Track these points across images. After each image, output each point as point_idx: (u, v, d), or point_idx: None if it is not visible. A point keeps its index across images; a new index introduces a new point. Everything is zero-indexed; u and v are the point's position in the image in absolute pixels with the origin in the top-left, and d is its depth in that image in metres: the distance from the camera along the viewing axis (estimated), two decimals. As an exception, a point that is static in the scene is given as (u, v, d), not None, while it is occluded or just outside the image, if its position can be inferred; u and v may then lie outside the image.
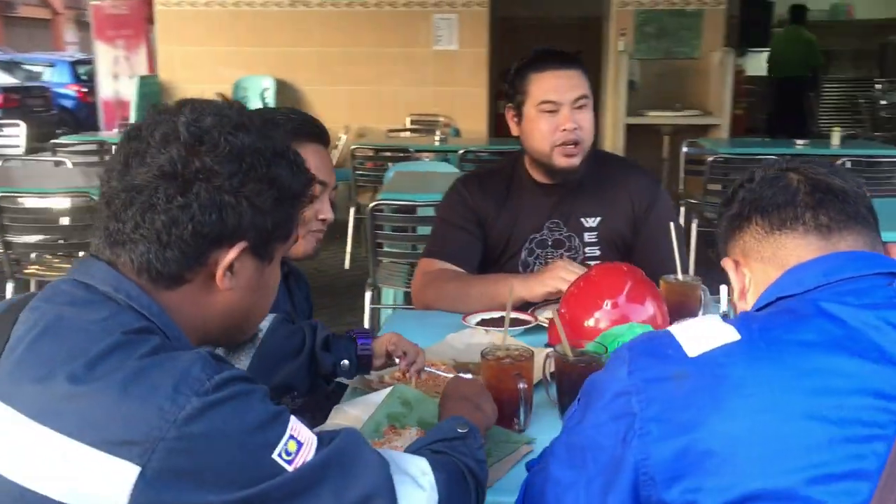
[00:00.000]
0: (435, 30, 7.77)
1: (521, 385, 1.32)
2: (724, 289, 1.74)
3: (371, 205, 3.42)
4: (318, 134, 1.69)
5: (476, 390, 1.26)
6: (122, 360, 0.85)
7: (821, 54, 9.88)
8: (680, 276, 1.82)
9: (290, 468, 0.83)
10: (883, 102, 9.37)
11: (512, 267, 2.21)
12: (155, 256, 0.94)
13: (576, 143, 2.05)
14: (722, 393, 0.85)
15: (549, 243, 2.20)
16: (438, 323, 1.93)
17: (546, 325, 1.83)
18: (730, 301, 1.22)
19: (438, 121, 7.74)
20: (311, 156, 1.40)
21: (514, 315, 1.91)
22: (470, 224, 2.19)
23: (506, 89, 2.19)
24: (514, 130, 2.16)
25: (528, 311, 1.96)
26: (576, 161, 2.07)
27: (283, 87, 7.74)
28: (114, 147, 1.04)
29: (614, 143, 7.46)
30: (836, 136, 5.71)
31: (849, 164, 4.99)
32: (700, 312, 1.70)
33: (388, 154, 5.63)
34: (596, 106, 2.12)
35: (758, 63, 10.69)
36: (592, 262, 2.14)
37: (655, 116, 7.49)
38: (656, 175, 2.87)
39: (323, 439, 0.88)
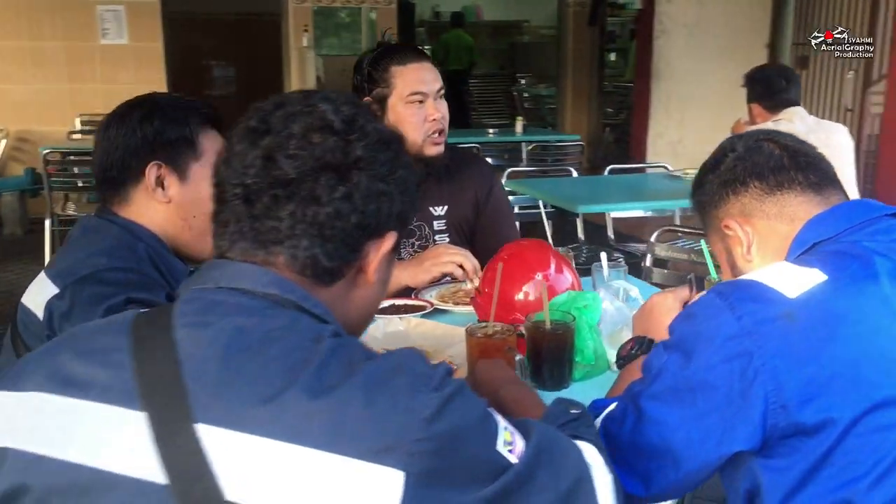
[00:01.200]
0: (101, 22, 7.15)
1: (517, 357, 1.37)
2: (603, 256, 1.93)
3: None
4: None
5: (508, 370, 1.28)
6: (347, 366, 0.78)
7: (475, 54, 10.85)
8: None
9: (514, 459, 0.81)
10: (526, 95, 10.57)
11: (369, 258, 2.21)
12: (320, 251, 0.86)
13: (441, 132, 2.11)
14: (831, 325, 0.99)
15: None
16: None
17: (444, 308, 1.89)
18: (717, 267, 1.36)
19: (113, 120, 7.17)
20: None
21: (410, 302, 1.94)
22: None
23: (358, 83, 2.16)
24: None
25: (413, 296, 1.99)
26: (442, 148, 2.14)
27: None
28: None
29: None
30: (519, 125, 6.36)
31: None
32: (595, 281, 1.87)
33: (75, 158, 5.14)
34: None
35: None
36: (442, 249, 2.22)
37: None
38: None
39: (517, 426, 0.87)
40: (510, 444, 0.81)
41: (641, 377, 1.12)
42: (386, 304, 1.91)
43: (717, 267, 1.70)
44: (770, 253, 1.19)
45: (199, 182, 1.45)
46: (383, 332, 1.73)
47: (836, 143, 3.40)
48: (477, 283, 1.94)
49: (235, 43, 9.24)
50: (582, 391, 1.46)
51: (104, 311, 1.25)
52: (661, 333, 1.33)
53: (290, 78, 7.83)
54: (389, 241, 0.92)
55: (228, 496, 0.73)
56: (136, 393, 0.79)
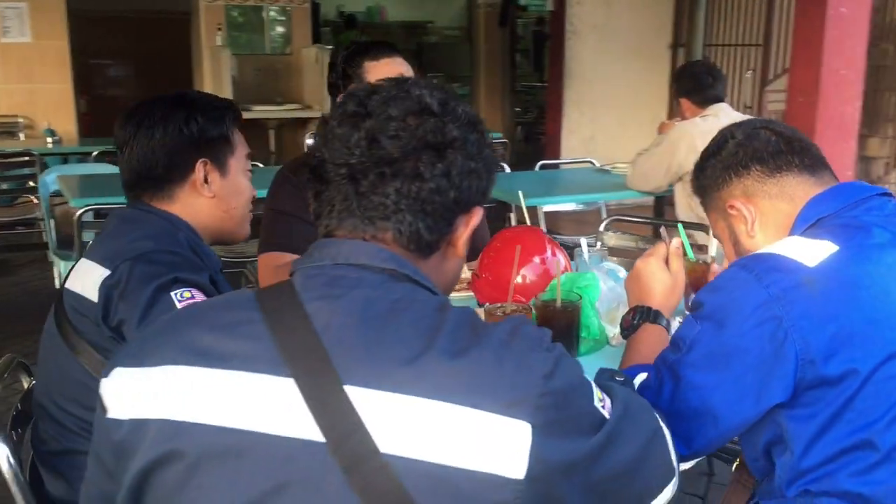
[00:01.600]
0: (2, 20, 6.87)
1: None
2: (583, 241, 2.05)
3: (79, 212, 3.09)
4: None
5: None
6: (472, 330, 0.86)
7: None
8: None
9: (607, 414, 0.90)
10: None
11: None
12: (422, 225, 0.93)
13: None
14: (847, 289, 1.13)
15: None
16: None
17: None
18: (720, 244, 1.49)
19: (18, 122, 6.89)
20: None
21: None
22: (305, 212, 2.18)
23: (334, 80, 2.21)
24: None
25: None
26: None
27: None
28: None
29: (223, 139, 7.40)
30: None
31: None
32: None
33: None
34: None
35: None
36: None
37: (261, 111, 7.61)
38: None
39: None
40: (602, 400, 0.91)
41: (673, 347, 1.23)
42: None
43: (693, 246, 1.86)
44: (772, 229, 1.32)
45: (237, 175, 1.53)
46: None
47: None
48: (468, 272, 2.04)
49: (142, 41, 9.00)
50: (586, 364, 1.57)
51: (155, 289, 1.30)
52: (651, 296, 1.46)
53: (202, 77, 7.70)
54: (476, 215, 0.99)
55: (383, 449, 0.79)
56: (280, 361, 0.84)
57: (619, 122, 7.44)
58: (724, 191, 1.38)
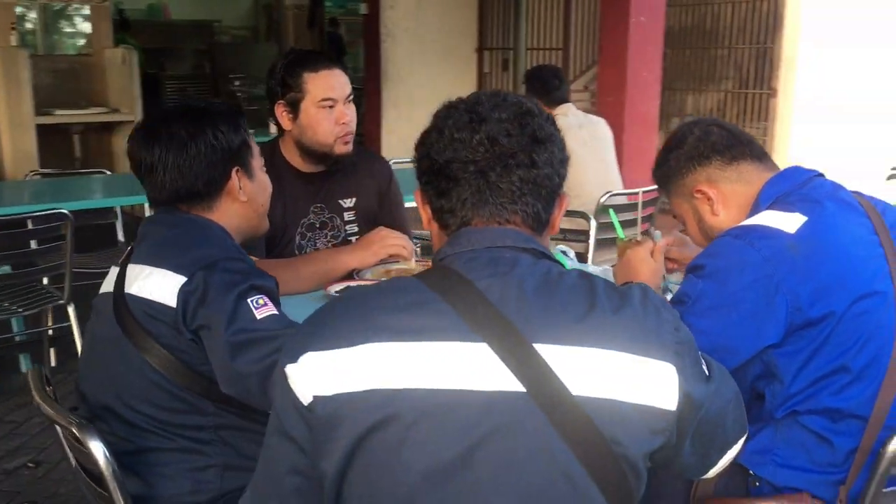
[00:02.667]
0: None
1: None
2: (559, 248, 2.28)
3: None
4: None
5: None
6: (616, 292, 1.06)
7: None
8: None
9: (707, 371, 1.10)
10: (240, 95, 10.47)
11: (290, 251, 2.36)
12: (541, 206, 1.12)
13: (349, 133, 2.31)
14: (821, 250, 1.44)
15: (317, 225, 2.41)
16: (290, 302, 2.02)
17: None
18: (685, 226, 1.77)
19: None
20: None
21: (363, 282, 2.15)
22: None
23: (272, 87, 2.28)
24: (287, 125, 2.29)
25: (355, 276, 2.18)
26: (351, 147, 2.34)
27: None
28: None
29: (23, 145, 6.88)
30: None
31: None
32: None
33: None
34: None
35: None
36: (352, 238, 2.44)
37: (64, 115, 7.15)
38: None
39: None
40: (702, 359, 1.13)
41: (678, 302, 1.50)
42: (353, 283, 2.12)
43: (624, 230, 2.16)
44: (734, 208, 1.63)
45: (259, 174, 1.61)
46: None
47: (601, 134, 4.08)
48: (414, 263, 2.21)
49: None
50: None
51: (236, 297, 1.37)
52: (640, 276, 1.73)
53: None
54: (567, 199, 1.19)
55: (575, 392, 0.98)
56: (469, 330, 1.00)
57: (435, 121, 7.79)
58: (688, 178, 1.67)
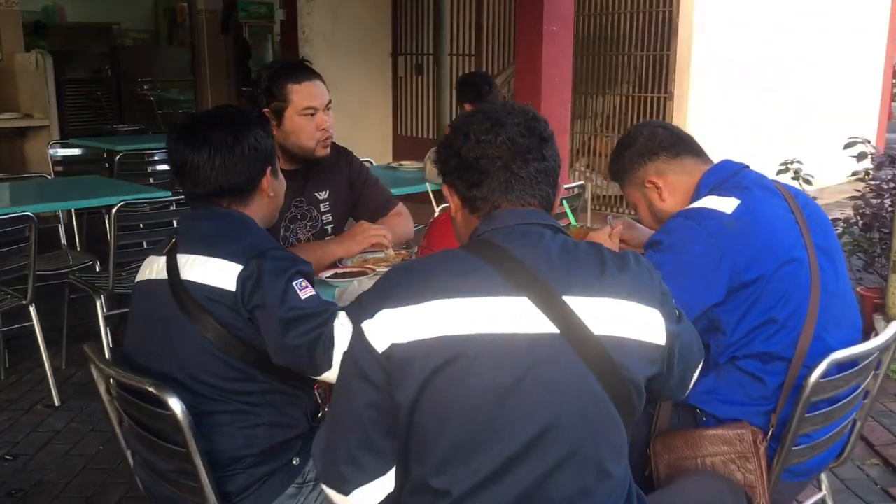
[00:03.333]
0: None
1: None
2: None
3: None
4: None
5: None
6: (618, 256, 1.38)
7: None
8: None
9: (677, 312, 1.44)
10: (152, 99, 10.41)
11: (276, 242, 2.59)
12: (551, 191, 1.44)
13: (329, 138, 2.57)
14: (753, 226, 1.79)
15: (298, 217, 2.66)
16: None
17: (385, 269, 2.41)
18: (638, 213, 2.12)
19: None
20: None
21: (347, 269, 2.42)
22: None
23: (257, 95, 2.51)
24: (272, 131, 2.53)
25: (338, 263, 2.45)
26: (329, 151, 2.60)
27: None
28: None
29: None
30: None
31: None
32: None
33: None
34: None
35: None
36: (328, 226, 2.70)
37: (-24, 121, 7.02)
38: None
39: None
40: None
41: None
42: (340, 270, 2.38)
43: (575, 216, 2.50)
44: (679, 195, 1.99)
45: (279, 172, 1.86)
46: (366, 286, 2.20)
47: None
48: (392, 252, 2.50)
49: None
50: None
51: (286, 281, 1.63)
52: None
53: None
54: (562, 185, 1.50)
55: (595, 332, 1.29)
56: (512, 287, 1.29)
57: (353, 123, 8.02)
58: (640, 171, 2.02)
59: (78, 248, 4.77)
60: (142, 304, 1.79)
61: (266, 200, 1.84)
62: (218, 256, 1.66)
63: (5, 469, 3.05)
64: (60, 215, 4.56)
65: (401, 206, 2.82)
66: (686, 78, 7.43)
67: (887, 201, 4.45)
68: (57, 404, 3.59)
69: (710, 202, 1.87)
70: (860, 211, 4.56)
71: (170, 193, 4.03)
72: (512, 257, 1.33)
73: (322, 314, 1.65)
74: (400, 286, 1.33)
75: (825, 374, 1.72)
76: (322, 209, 2.71)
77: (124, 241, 3.59)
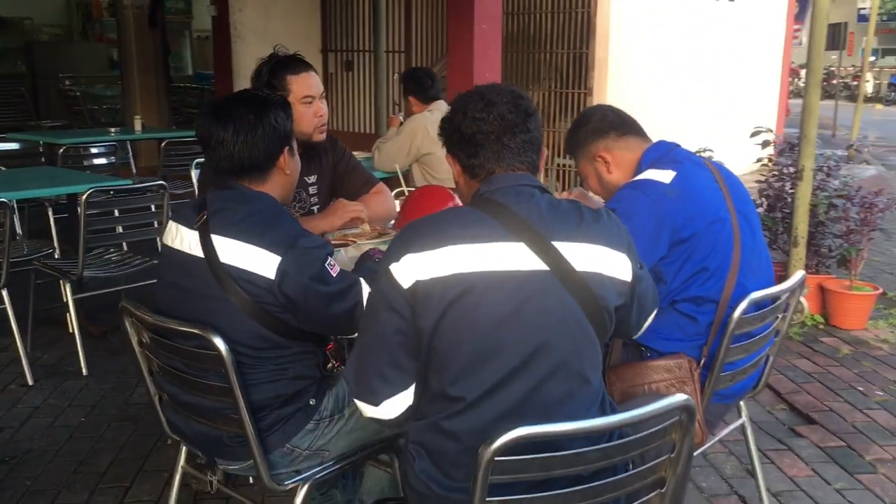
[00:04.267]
0: None
1: None
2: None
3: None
4: None
5: None
6: (592, 210, 1.71)
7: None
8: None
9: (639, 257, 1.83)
10: (78, 95, 10.32)
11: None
12: (535, 158, 1.77)
13: (324, 124, 2.85)
14: (687, 193, 2.17)
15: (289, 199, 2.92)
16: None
17: (367, 243, 2.70)
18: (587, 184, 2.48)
19: None
20: None
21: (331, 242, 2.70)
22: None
23: (258, 87, 2.75)
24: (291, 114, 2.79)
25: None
26: (325, 136, 2.87)
27: None
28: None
29: None
30: (138, 123, 6.67)
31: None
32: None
33: None
34: None
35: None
36: (315, 208, 2.98)
37: None
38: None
39: None
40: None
41: None
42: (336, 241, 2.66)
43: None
44: (623, 168, 2.36)
45: (295, 153, 2.12)
46: (351, 255, 2.50)
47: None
48: (368, 227, 2.80)
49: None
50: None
51: (320, 266, 1.90)
52: None
53: None
54: (545, 152, 1.83)
55: (577, 269, 1.63)
56: (510, 234, 1.62)
57: (285, 118, 8.23)
58: (592, 147, 2.39)
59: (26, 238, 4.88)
60: (177, 275, 2.00)
61: (283, 178, 2.07)
62: (256, 245, 1.88)
63: (-5, 442, 3.21)
64: (15, 205, 4.66)
65: (381, 186, 3.10)
66: (604, 74, 7.93)
67: (788, 184, 4.97)
68: (31, 383, 3.74)
69: (651, 174, 2.25)
70: (764, 193, 5.08)
71: (130, 182, 4.22)
72: (510, 211, 1.66)
73: (353, 284, 1.95)
74: (420, 236, 1.65)
75: (745, 312, 2.12)
76: (310, 192, 2.97)
77: (93, 227, 3.77)
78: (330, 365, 2.16)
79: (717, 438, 2.65)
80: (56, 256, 4.32)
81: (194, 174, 4.96)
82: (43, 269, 3.95)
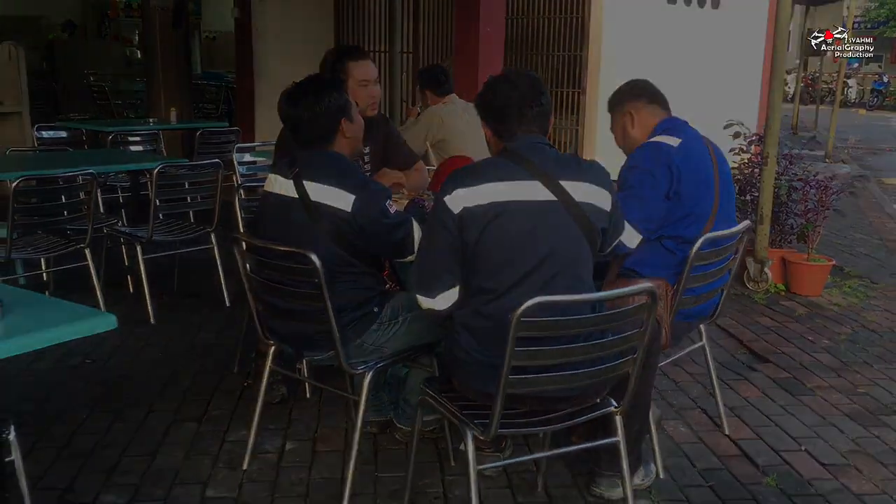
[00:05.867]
0: None
1: None
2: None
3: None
4: None
5: None
6: (584, 160, 2.40)
7: None
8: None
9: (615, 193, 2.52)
10: (107, 88, 10.95)
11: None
12: (546, 124, 2.45)
13: (376, 103, 3.54)
14: (688, 156, 2.85)
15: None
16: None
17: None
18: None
19: None
20: None
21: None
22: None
23: (326, 72, 3.44)
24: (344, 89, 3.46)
25: None
26: (377, 112, 3.57)
27: None
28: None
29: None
30: (173, 115, 7.33)
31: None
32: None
33: None
34: None
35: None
36: (367, 174, 3.65)
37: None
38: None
39: None
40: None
41: (622, 185, 2.87)
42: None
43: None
44: (643, 128, 3.03)
45: (356, 118, 2.80)
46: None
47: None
48: (405, 192, 3.48)
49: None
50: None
51: (384, 203, 2.59)
52: None
53: None
54: (552, 119, 2.51)
55: (577, 200, 2.31)
56: (530, 175, 2.30)
57: (301, 113, 8.88)
58: (628, 103, 3.08)
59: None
60: (276, 213, 2.67)
61: (346, 140, 2.74)
62: (337, 187, 2.56)
63: (89, 368, 3.88)
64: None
65: (420, 163, 3.82)
66: (597, 75, 8.61)
67: (757, 170, 5.68)
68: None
69: (663, 139, 2.92)
70: (736, 178, 5.78)
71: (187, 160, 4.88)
72: (529, 160, 2.33)
73: (407, 221, 2.63)
74: (466, 177, 2.32)
75: (702, 248, 2.80)
76: (365, 160, 3.65)
77: (162, 198, 4.44)
78: (388, 285, 2.84)
79: (684, 352, 3.35)
80: (119, 226, 4.98)
81: (236, 157, 5.64)
82: (115, 234, 4.60)
